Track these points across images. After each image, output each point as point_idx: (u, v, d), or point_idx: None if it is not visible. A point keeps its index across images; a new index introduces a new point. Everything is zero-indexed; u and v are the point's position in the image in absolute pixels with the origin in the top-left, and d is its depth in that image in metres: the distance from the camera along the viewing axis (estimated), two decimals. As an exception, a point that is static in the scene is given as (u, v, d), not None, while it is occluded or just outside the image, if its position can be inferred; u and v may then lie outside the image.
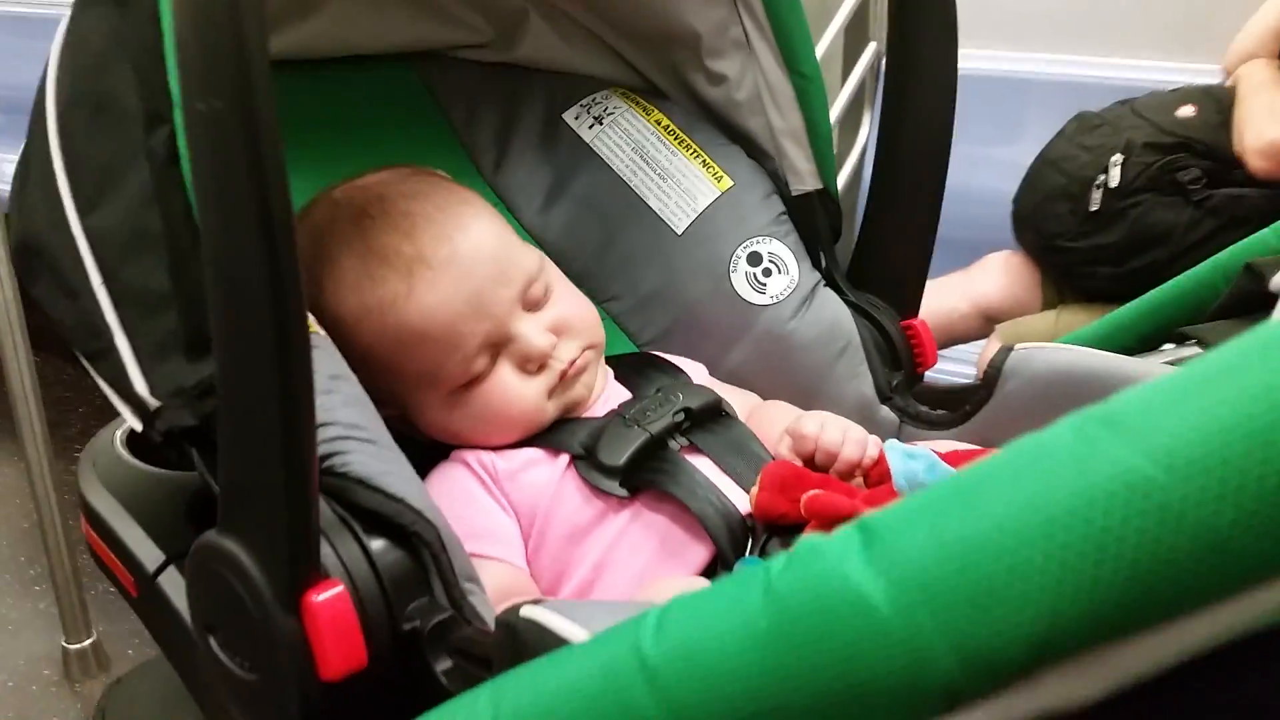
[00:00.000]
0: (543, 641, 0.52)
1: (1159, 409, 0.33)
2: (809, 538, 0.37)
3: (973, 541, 0.33)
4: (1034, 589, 0.32)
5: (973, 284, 1.84)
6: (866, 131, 2.32)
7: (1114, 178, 1.63)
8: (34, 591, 1.84)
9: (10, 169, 1.56)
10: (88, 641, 1.63)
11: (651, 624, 0.39)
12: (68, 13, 0.73)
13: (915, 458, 0.70)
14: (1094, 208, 1.65)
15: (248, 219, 0.49)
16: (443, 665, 0.62)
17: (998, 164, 1.81)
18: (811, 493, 0.71)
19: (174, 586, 0.80)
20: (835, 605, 0.34)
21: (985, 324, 1.81)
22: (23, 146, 0.75)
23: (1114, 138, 1.66)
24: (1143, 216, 1.62)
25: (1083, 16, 2.16)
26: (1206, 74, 1.86)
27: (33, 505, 1.58)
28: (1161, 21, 2.10)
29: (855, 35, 2.27)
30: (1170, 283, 0.91)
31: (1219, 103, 1.67)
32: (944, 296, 1.82)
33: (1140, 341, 0.91)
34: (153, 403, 0.65)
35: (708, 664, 0.37)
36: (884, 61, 2.31)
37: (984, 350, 1.74)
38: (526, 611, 0.53)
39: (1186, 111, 1.67)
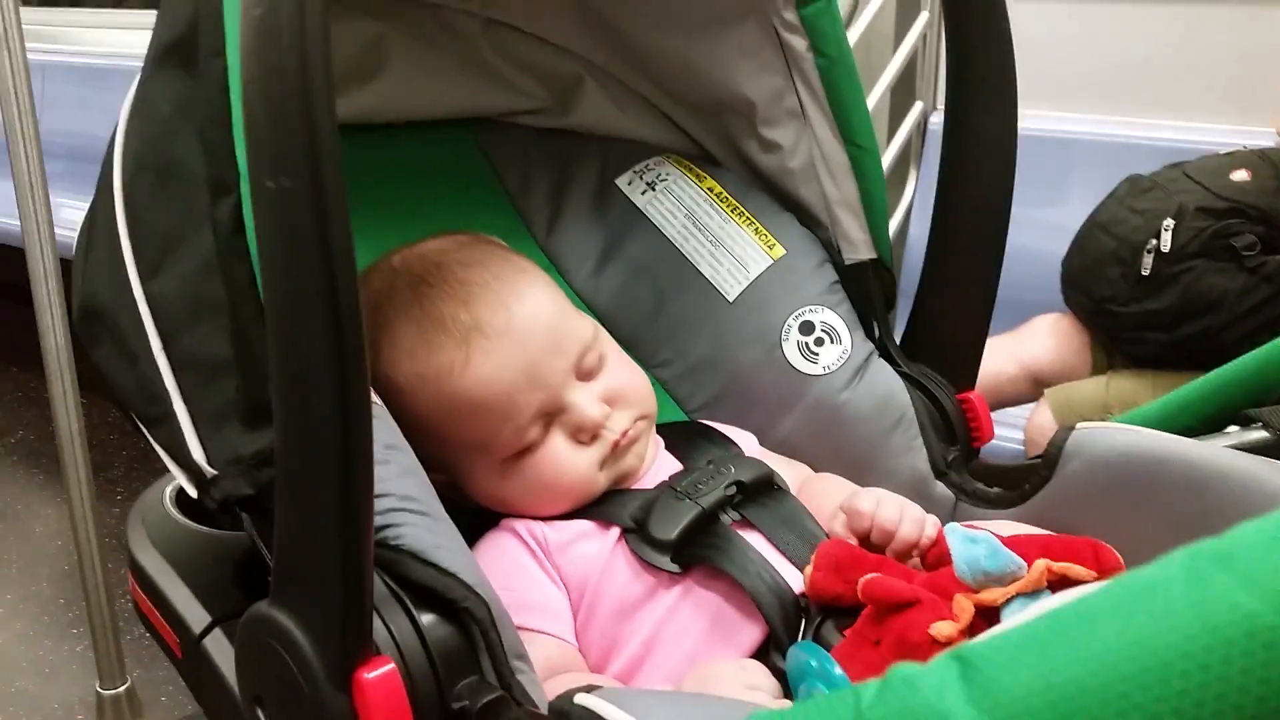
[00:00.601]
0: (598, 733, 0.50)
1: (1274, 548, 0.31)
2: (902, 667, 0.36)
3: (1080, 683, 0.32)
4: None
5: (1021, 346, 1.83)
6: (911, 191, 2.33)
7: (1166, 242, 1.62)
8: (71, 635, 1.86)
9: (69, 214, 1.59)
10: (122, 687, 1.64)
11: None
12: (131, 64, 0.74)
13: (977, 542, 0.68)
14: (1145, 272, 1.63)
15: (314, 297, 0.49)
16: (492, 748, 0.60)
17: (1043, 225, 1.80)
18: (869, 576, 0.69)
19: (219, 649, 0.79)
20: None
21: (1033, 387, 1.79)
22: (89, 208, 0.76)
23: (1166, 201, 1.65)
24: (1195, 282, 1.60)
25: (1130, 78, 2.16)
26: (1258, 136, 1.84)
27: (74, 547, 1.59)
28: (1212, 83, 2.09)
29: (902, 95, 2.29)
30: (1234, 362, 0.89)
31: (1274, 166, 1.66)
32: (991, 359, 1.78)
33: (1203, 423, 0.89)
34: (209, 471, 0.65)
35: None
36: (929, 121, 2.34)
37: (1032, 414, 1.72)
38: (582, 700, 0.52)
39: (1241, 176, 1.65)
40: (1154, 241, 1.63)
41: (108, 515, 2.10)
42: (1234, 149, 1.74)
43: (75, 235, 1.37)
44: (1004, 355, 1.81)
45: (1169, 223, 1.62)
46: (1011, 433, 1.71)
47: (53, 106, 2.47)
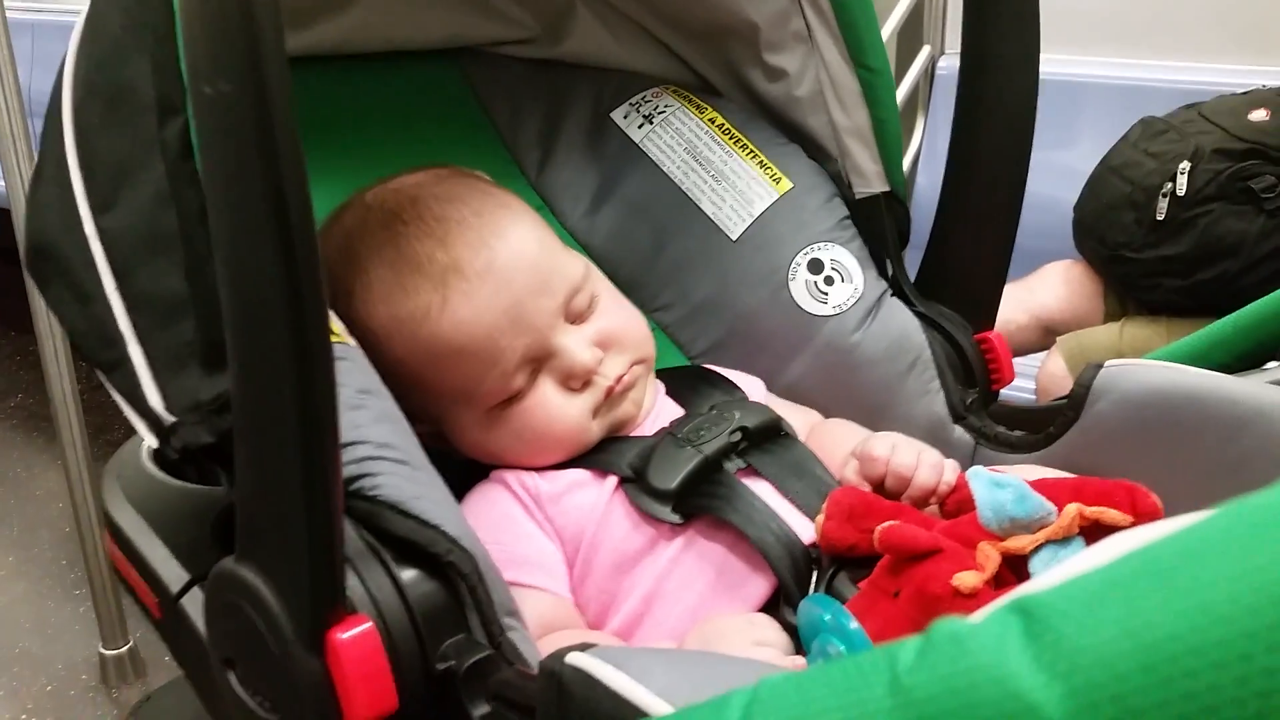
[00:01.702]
0: (592, 695, 0.46)
1: None
2: (948, 622, 0.29)
3: (1183, 639, 0.25)
4: (1273, 707, 0.24)
5: (1032, 295, 1.79)
6: (919, 138, 2.28)
7: (1181, 185, 1.57)
8: (74, 596, 1.87)
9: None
10: (125, 647, 1.64)
11: (736, 712, 0.32)
12: None
13: (1003, 486, 0.64)
14: (1160, 217, 1.59)
15: (261, 214, 0.44)
16: (480, 710, 0.56)
17: (1054, 169, 1.75)
18: (887, 524, 0.65)
19: (198, 608, 0.75)
20: (990, 716, 0.27)
21: (1045, 336, 1.76)
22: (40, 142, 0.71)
23: (1181, 144, 1.61)
24: (1212, 226, 1.56)
25: (1144, 17, 2.11)
26: (1277, 76, 1.78)
27: (73, 510, 1.58)
28: (1228, 22, 2.03)
29: (909, 39, 2.22)
30: (1273, 295, 0.84)
31: (1294, 105, 1.60)
32: (1001, 308, 1.75)
33: (1239, 359, 0.84)
34: (168, 418, 0.60)
35: None
36: (937, 65, 2.28)
37: (1043, 363, 1.68)
38: (574, 659, 0.47)
39: (1259, 115, 1.60)
40: (1169, 185, 1.59)
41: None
42: (1252, 88, 1.68)
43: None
44: (1014, 304, 1.77)
45: (1185, 165, 1.58)
46: (1023, 382, 1.67)
47: (43, 64, 2.42)
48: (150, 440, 0.62)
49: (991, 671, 0.27)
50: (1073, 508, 0.63)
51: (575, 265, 0.80)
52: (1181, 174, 1.57)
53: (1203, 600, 0.26)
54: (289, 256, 0.44)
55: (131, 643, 1.64)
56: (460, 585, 0.59)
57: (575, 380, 0.77)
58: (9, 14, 1.41)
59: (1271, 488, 0.27)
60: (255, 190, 0.44)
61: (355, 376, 0.63)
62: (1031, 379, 1.69)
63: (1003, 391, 0.92)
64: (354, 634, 0.53)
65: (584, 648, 0.49)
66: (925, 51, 2.24)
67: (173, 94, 0.58)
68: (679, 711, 0.35)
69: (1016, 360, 1.73)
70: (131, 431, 0.67)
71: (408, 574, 0.58)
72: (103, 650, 1.63)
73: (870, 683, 0.29)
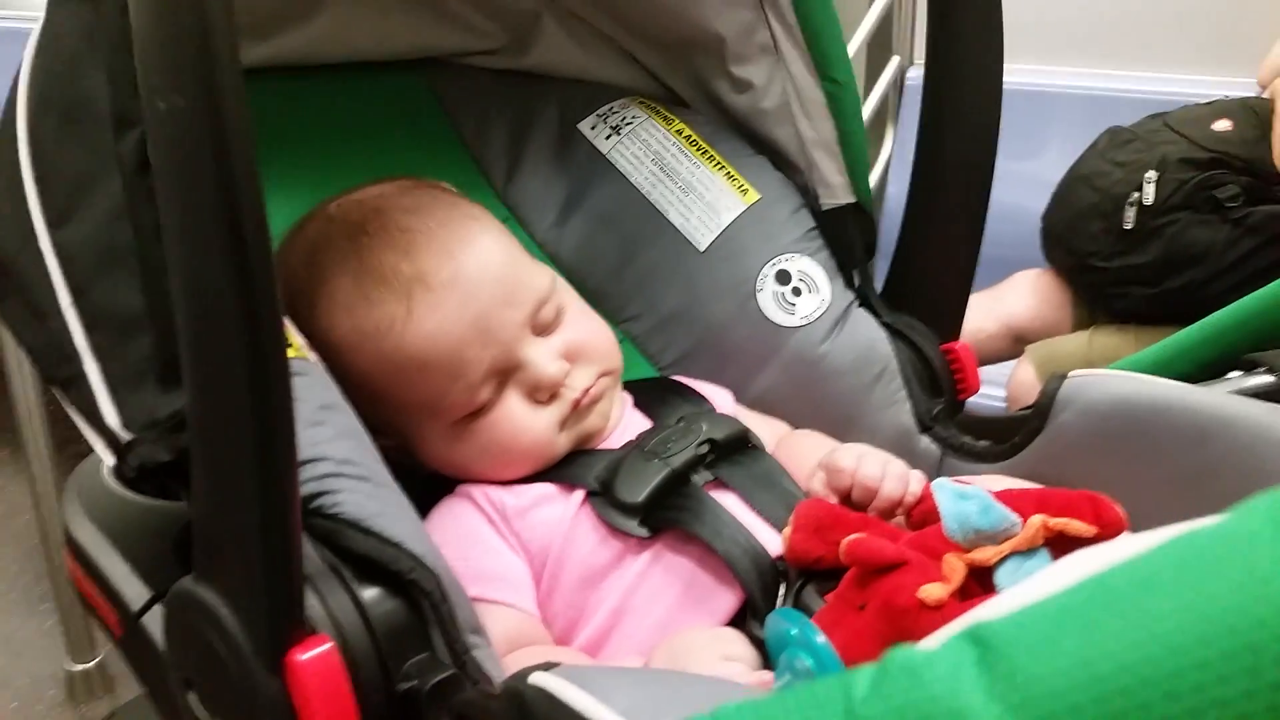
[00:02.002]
0: (555, 714, 0.46)
1: None
2: (902, 651, 0.29)
3: (1137, 670, 0.25)
4: None
5: (1000, 303, 1.80)
6: (889, 148, 2.28)
7: (1149, 195, 1.59)
8: (39, 610, 1.84)
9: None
10: (92, 663, 1.62)
11: None
12: None
13: (967, 498, 0.63)
14: (1128, 226, 1.61)
15: (215, 229, 0.43)
16: (442, 731, 0.55)
17: (1022, 179, 1.76)
18: (853, 536, 0.64)
19: (160, 626, 0.74)
20: None
21: (1014, 344, 1.77)
22: None
23: (1148, 153, 1.63)
24: (1179, 235, 1.58)
25: (1110, 28, 2.13)
26: (1240, 88, 1.80)
27: (38, 524, 1.57)
28: (1193, 33, 2.06)
29: (878, 49, 2.23)
30: (1235, 304, 0.84)
31: (1257, 116, 1.62)
32: (970, 316, 1.74)
33: (1202, 369, 0.84)
34: (125, 435, 0.59)
35: None
36: (906, 76, 2.29)
37: (1013, 372, 1.69)
38: (536, 679, 0.47)
39: (1223, 125, 1.62)
40: (1136, 194, 1.61)
41: (74, 490, 2.05)
42: (1215, 99, 1.70)
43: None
44: (983, 312, 1.78)
45: (1151, 175, 1.60)
46: (993, 390, 1.68)
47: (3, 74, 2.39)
48: (106, 458, 0.61)
49: (945, 703, 0.27)
50: (1037, 519, 0.63)
51: (542, 277, 0.79)
52: (1148, 183, 1.59)
53: (1156, 631, 0.25)
54: (243, 272, 0.44)
55: (100, 657, 1.62)
56: (423, 603, 0.58)
57: (542, 392, 0.76)
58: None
59: (1224, 517, 0.27)
60: (209, 205, 0.43)
61: (315, 392, 0.62)
62: (1002, 387, 1.70)
63: (973, 399, 0.92)
64: (314, 654, 0.52)
65: (547, 667, 0.49)
66: (894, 62, 2.25)
67: (129, 107, 0.57)
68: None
69: (986, 369, 1.75)
70: None
71: (369, 593, 0.57)
72: (70, 666, 1.61)
73: (825, 713, 0.29)
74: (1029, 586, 0.30)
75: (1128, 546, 0.30)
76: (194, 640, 0.56)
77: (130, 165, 0.57)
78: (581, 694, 0.45)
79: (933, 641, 0.28)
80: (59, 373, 0.63)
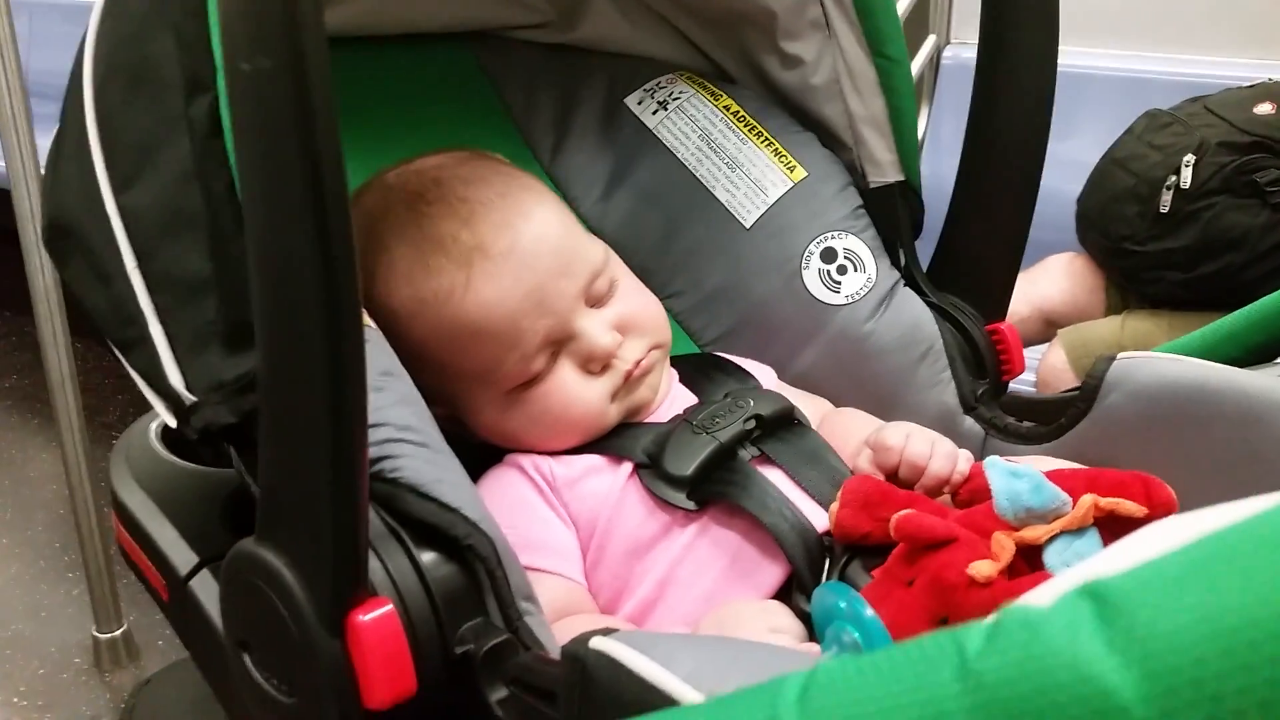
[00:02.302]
0: (617, 679, 0.46)
1: None
2: (1017, 607, 0.29)
3: (1263, 624, 0.25)
4: None
5: (1033, 286, 1.79)
6: (924, 127, 2.27)
7: (1186, 178, 1.58)
8: (67, 579, 1.85)
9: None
10: (119, 631, 1.63)
11: (791, 696, 0.32)
12: None
13: (1020, 476, 0.64)
14: (1164, 210, 1.59)
15: (296, 191, 0.44)
16: (498, 694, 0.56)
17: (1056, 161, 1.73)
18: (904, 512, 0.65)
19: (206, 591, 0.76)
20: (1066, 702, 0.26)
21: (1046, 328, 1.76)
22: (59, 119, 0.70)
23: (1186, 136, 1.61)
24: (1216, 219, 1.57)
25: (1148, 10, 2.11)
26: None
27: (68, 492, 1.57)
28: (1234, 15, 2.03)
29: (915, 28, 2.22)
30: (1284, 289, 0.84)
31: (1300, 99, 1.60)
32: (1004, 299, 1.76)
33: (1249, 353, 0.84)
34: (188, 397, 0.60)
35: None
36: (943, 54, 2.27)
37: (1044, 355, 1.68)
38: (598, 644, 0.47)
39: (1265, 109, 1.60)
40: (1173, 178, 1.59)
41: (102, 460, 2.07)
42: (1257, 82, 1.68)
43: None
44: (1016, 295, 1.75)
45: (1189, 158, 1.58)
46: (1023, 375, 1.67)
47: (40, 46, 2.40)
48: (169, 420, 0.62)
49: (1065, 656, 0.27)
50: (1088, 498, 0.63)
51: (596, 249, 0.80)
52: (1186, 167, 1.57)
53: None
54: (324, 235, 0.44)
55: (125, 626, 1.63)
56: (479, 569, 0.59)
57: (595, 363, 0.77)
58: (7, -5, 1.40)
59: None
60: (292, 168, 0.43)
61: (377, 358, 0.63)
62: (1032, 370, 1.69)
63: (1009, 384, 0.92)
64: (375, 616, 0.53)
65: (606, 632, 0.49)
66: (931, 41, 2.24)
67: (201, 71, 0.58)
68: (730, 694, 0.35)
69: (1022, 351, 1.75)
70: (125, 413, 0.67)
71: (427, 556, 0.58)
72: (96, 634, 1.62)
73: (937, 668, 0.29)
74: (1136, 544, 0.30)
75: (1203, 519, 0.30)
76: (253, 602, 0.57)
77: (202, 129, 0.58)
78: (644, 659, 0.46)
79: (1044, 598, 0.29)
80: (122, 335, 0.63)
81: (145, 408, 0.88)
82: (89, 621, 1.64)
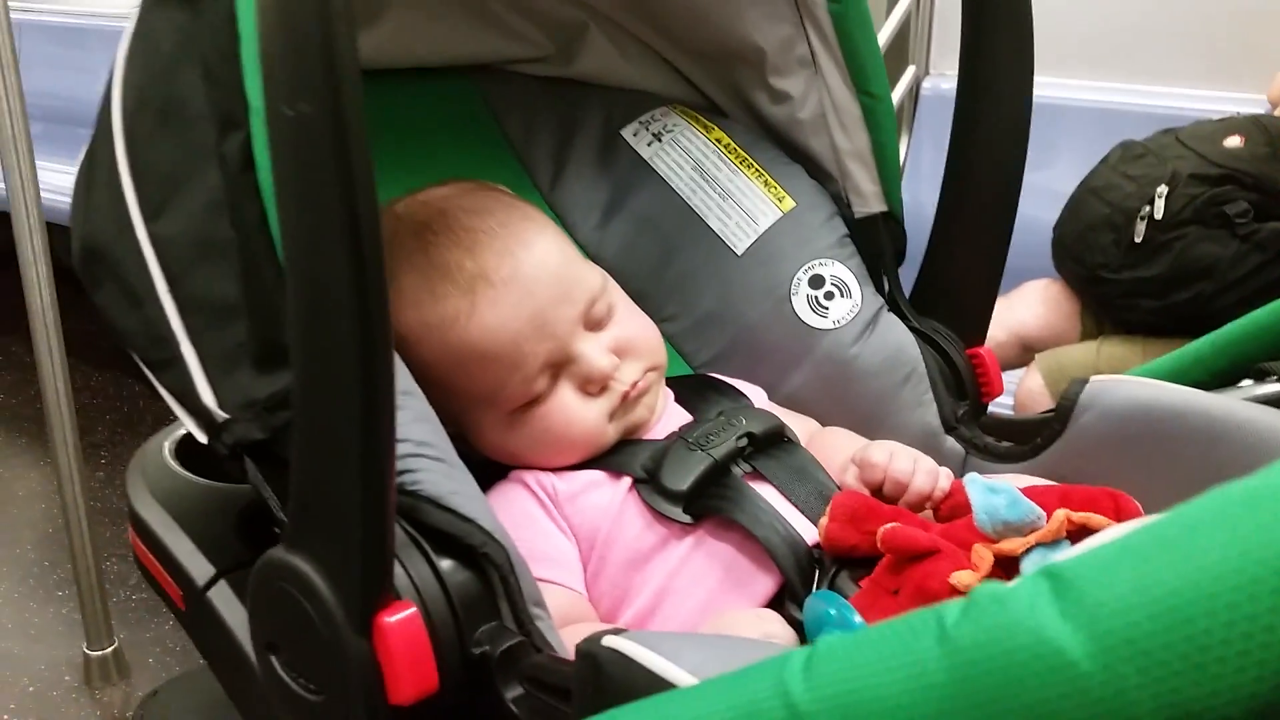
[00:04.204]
0: (629, 674, 0.50)
1: None
2: (989, 585, 0.35)
3: (1185, 593, 0.31)
4: (1255, 645, 0.29)
5: (1010, 312, 1.82)
6: (903, 156, 2.32)
7: (1159, 209, 1.61)
8: (57, 597, 1.85)
9: (52, 177, 1.55)
10: (109, 649, 1.64)
11: (798, 665, 0.37)
12: (109, 24, 0.71)
13: (997, 492, 0.68)
14: (1138, 239, 1.63)
15: (334, 226, 0.47)
16: (513, 693, 0.60)
17: (1033, 190, 1.78)
18: (889, 526, 0.69)
19: (224, 601, 0.78)
20: (1027, 660, 0.32)
21: (1023, 353, 1.79)
22: (88, 148, 0.74)
23: (1159, 168, 1.64)
24: (1188, 249, 1.60)
25: (1123, 43, 2.15)
26: (1251, 104, 1.83)
27: (58, 510, 1.59)
28: (1205, 49, 2.08)
29: (894, 59, 2.27)
30: (1247, 317, 0.89)
31: (1267, 133, 1.65)
32: (981, 324, 1.79)
33: (1215, 377, 0.89)
34: (220, 415, 0.63)
35: (871, 714, 0.34)
36: (922, 85, 2.32)
37: (1022, 380, 1.72)
38: (610, 641, 0.51)
39: (1234, 142, 1.64)
40: (1147, 208, 1.62)
41: (91, 479, 2.08)
42: (1227, 115, 1.73)
43: (52, 197, 1.32)
44: (993, 321, 1.80)
45: (1162, 189, 1.61)
46: (1002, 397, 1.71)
47: (29, 67, 2.42)
48: (200, 436, 0.65)
49: (1027, 623, 0.32)
50: (1061, 513, 0.67)
51: (594, 275, 0.83)
52: (1159, 198, 1.60)
53: (1201, 562, 0.31)
54: (359, 265, 0.48)
55: (116, 644, 1.64)
56: (493, 575, 0.62)
57: (593, 385, 0.80)
58: (3, 14, 1.42)
59: (1257, 474, 0.32)
60: (331, 204, 0.47)
61: (397, 379, 0.66)
62: (1010, 394, 1.73)
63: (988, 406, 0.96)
64: (400, 618, 0.57)
65: (616, 632, 0.53)
66: (910, 72, 2.29)
67: (233, 109, 0.61)
68: (743, 668, 0.39)
69: (999, 376, 1.78)
70: (113, 433, 0.70)
71: (446, 564, 0.61)
72: (87, 651, 1.63)
73: (921, 636, 0.34)
74: (1089, 542, 0.35)
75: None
76: (283, 606, 0.60)
77: (235, 164, 0.61)
78: (652, 654, 0.49)
79: (1012, 582, 0.34)
80: (153, 355, 0.67)
81: (132, 428, 0.90)
82: (79, 639, 1.65)
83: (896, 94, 2.23)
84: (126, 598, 1.83)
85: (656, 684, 0.48)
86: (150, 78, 0.68)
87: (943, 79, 2.31)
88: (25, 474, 2.27)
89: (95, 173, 0.72)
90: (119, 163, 0.69)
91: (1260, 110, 1.77)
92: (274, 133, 0.50)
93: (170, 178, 0.66)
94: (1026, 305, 1.83)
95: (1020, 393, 1.71)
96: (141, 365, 0.69)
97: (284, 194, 0.52)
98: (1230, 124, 1.69)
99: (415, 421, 0.65)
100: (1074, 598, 0.32)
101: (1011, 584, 0.34)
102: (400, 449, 0.62)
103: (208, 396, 0.64)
